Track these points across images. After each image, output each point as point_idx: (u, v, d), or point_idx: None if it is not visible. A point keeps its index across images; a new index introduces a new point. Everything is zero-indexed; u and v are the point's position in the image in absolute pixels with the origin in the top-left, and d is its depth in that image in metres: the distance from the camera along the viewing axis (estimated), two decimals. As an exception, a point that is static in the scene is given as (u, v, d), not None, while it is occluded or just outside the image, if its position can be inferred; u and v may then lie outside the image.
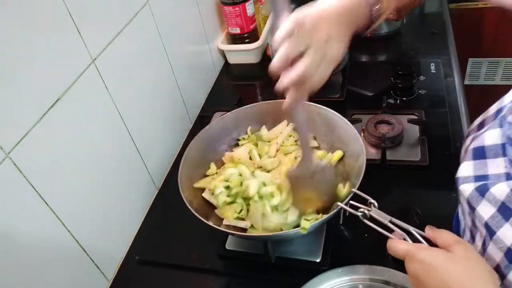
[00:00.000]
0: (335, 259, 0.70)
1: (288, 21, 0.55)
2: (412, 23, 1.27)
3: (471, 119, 0.93)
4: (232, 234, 0.71)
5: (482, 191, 0.46)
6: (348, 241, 0.75)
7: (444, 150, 0.85)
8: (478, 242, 0.50)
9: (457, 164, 0.81)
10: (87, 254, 0.70)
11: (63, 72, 0.65)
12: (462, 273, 0.43)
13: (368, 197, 0.59)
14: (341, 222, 0.75)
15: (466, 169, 0.50)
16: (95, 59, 0.71)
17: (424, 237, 0.50)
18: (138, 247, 0.82)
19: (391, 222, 0.55)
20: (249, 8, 1.18)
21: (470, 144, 0.52)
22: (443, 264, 0.44)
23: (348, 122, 0.77)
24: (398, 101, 1.00)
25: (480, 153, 0.48)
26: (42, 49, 0.60)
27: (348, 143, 0.77)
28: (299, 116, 0.60)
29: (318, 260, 0.70)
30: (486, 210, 0.45)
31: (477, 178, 0.48)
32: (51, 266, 0.63)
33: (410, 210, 0.73)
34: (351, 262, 0.70)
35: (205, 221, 0.65)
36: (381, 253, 0.69)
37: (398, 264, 0.67)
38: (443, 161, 0.83)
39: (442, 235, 0.48)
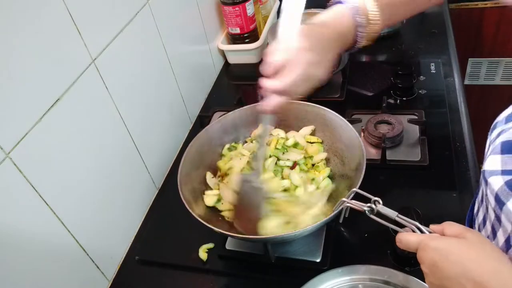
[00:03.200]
0: (335, 259, 0.70)
1: (274, 60, 0.59)
2: (412, 23, 1.27)
3: (471, 119, 0.94)
4: (232, 236, 0.71)
5: None
6: (348, 241, 0.75)
7: (444, 150, 0.85)
8: (501, 238, 0.49)
9: (456, 164, 0.82)
10: (87, 254, 0.70)
11: (63, 72, 0.65)
12: (479, 255, 0.43)
13: (370, 196, 0.59)
14: (341, 221, 0.75)
15: (493, 163, 0.49)
16: (95, 59, 0.71)
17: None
18: (138, 247, 0.82)
19: (398, 217, 0.54)
20: (249, 8, 1.18)
21: (498, 137, 0.51)
22: (459, 247, 0.44)
23: (348, 123, 0.77)
24: (398, 101, 1.00)
25: (509, 148, 0.47)
26: (42, 49, 0.60)
27: (348, 144, 0.77)
28: (266, 124, 0.65)
29: (318, 260, 0.70)
30: None
31: (505, 172, 0.47)
32: (51, 266, 0.63)
33: (410, 210, 0.73)
34: (351, 262, 0.70)
35: (206, 224, 0.65)
36: (381, 253, 0.70)
37: (398, 264, 0.68)
38: (443, 161, 0.83)
39: (450, 227, 0.48)
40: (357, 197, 0.62)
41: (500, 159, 0.48)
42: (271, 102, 0.60)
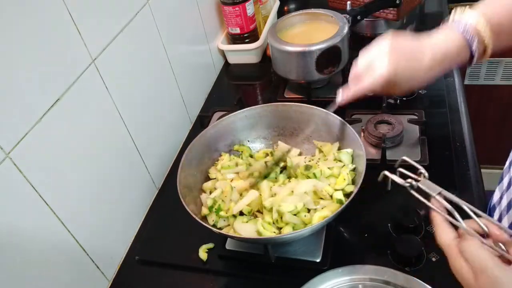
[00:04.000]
0: (335, 259, 0.70)
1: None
2: (412, 23, 1.27)
3: (471, 119, 0.94)
4: (231, 237, 0.71)
5: None
6: (348, 242, 0.75)
7: (445, 150, 0.85)
8: None
9: (456, 164, 0.82)
10: (87, 254, 0.70)
11: (63, 72, 0.65)
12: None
13: (419, 166, 0.54)
14: (389, 189, 0.72)
15: None
16: (95, 59, 0.71)
17: (476, 214, 0.46)
18: (138, 247, 0.82)
19: (440, 194, 0.50)
20: (249, 8, 1.18)
21: None
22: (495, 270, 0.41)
23: (347, 123, 0.77)
24: (398, 101, 1.00)
25: None
26: (42, 49, 0.60)
27: (348, 144, 0.77)
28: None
29: (318, 260, 0.70)
30: None
31: None
32: (51, 266, 0.63)
33: (410, 210, 0.73)
34: (351, 262, 0.70)
35: (205, 225, 0.65)
36: (381, 253, 0.70)
37: (398, 264, 0.68)
38: (443, 161, 0.83)
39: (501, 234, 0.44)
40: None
41: None
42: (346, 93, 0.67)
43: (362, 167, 0.68)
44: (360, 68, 0.67)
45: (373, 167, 0.84)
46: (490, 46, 0.61)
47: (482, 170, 0.83)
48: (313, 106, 0.82)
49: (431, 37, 0.64)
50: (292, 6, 1.49)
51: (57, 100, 0.63)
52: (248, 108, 0.86)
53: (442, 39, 0.63)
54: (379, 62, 0.63)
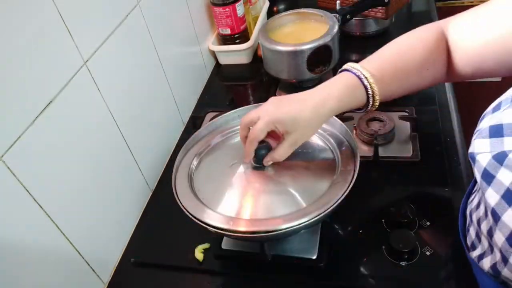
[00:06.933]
0: (331, 255, 0.71)
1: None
2: (401, 21, 1.28)
3: (462, 115, 0.95)
4: (227, 235, 0.71)
5: (500, 158, 0.45)
6: (343, 238, 0.75)
7: (435, 145, 0.86)
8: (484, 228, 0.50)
9: (447, 159, 0.83)
10: (82, 257, 0.70)
11: (55, 74, 0.64)
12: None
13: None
14: None
15: (481, 146, 0.49)
16: (86, 61, 0.71)
17: None
18: (133, 249, 0.82)
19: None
20: (239, 9, 1.18)
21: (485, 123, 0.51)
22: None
23: (339, 121, 0.77)
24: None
25: (498, 131, 0.47)
26: (33, 51, 0.60)
27: (341, 141, 0.78)
28: None
29: (314, 257, 0.71)
30: (506, 177, 0.44)
31: (494, 153, 0.47)
32: (45, 270, 0.63)
33: (403, 205, 0.74)
34: (347, 258, 0.71)
35: (200, 223, 0.65)
36: (376, 248, 0.71)
37: (393, 258, 0.68)
38: (434, 156, 0.84)
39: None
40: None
41: (488, 142, 0.48)
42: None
43: (356, 164, 0.68)
44: (247, 121, 0.68)
45: (366, 164, 0.85)
46: (377, 92, 0.65)
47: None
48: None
49: (318, 86, 0.67)
50: (281, 6, 1.50)
51: (49, 103, 0.63)
52: (241, 108, 0.86)
53: (332, 81, 0.67)
54: (262, 108, 0.66)
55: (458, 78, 0.69)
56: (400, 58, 0.67)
